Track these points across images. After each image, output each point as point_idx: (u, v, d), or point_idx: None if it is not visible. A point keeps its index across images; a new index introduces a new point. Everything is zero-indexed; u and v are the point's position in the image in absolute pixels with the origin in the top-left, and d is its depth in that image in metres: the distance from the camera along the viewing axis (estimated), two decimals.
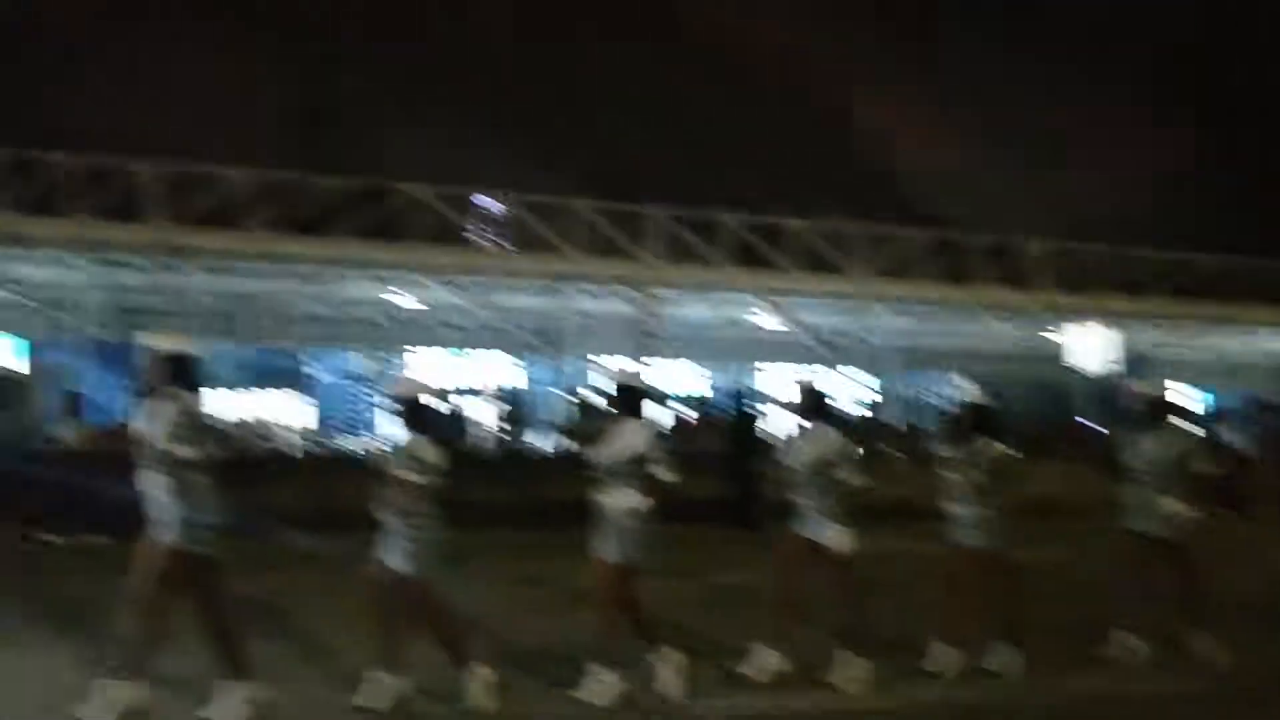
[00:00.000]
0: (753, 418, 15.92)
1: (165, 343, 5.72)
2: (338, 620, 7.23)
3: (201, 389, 5.67)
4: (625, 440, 6.22)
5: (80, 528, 11.89)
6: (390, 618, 5.86)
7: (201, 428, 5.53)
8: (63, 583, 9.79)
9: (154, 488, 5.42)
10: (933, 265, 22.21)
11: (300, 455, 20.44)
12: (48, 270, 19.26)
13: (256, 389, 24.05)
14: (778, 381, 24.36)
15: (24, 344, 23.03)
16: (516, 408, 24.24)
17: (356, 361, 25.52)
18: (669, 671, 6.16)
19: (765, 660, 6.54)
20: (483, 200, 20.81)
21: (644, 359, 20.01)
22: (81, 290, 20.26)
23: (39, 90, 22.65)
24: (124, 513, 11.02)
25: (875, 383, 26.11)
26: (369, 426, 23.93)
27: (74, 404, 14.54)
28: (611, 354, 22.44)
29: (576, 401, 22.40)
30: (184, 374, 5.59)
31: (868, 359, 25.42)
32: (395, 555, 5.85)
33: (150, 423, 5.48)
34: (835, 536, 6.58)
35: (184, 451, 5.36)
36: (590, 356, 23.40)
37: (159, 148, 17.48)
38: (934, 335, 25.72)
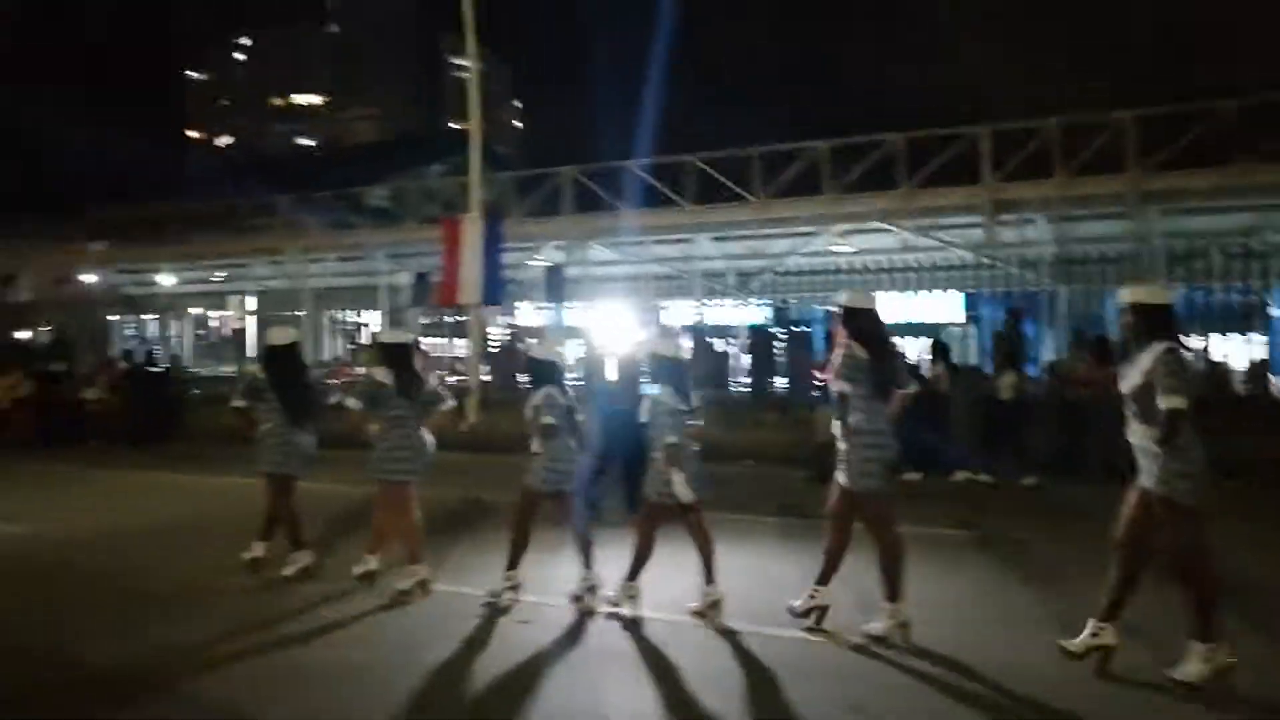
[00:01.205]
0: None
1: (1144, 294, 5.71)
2: None
3: (1180, 336, 5.53)
4: None
5: (1015, 470, 12.55)
6: None
7: (1183, 375, 5.38)
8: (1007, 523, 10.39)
9: (1135, 435, 5.48)
10: None
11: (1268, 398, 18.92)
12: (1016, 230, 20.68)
13: (1214, 332, 22.93)
14: None
15: (961, 298, 25.30)
16: None
17: None
18: None
19: None
20: None
21: None
22: (1033, 245, 21.48)
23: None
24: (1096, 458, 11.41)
25: None
26: None
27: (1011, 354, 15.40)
28: None
29: None
30: (1164, 323, 5.53)
31: None
32: None
33: (1132, 372, 5.52)
34: None
35: (1172, 401, 5.27)
36: None
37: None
38: None
